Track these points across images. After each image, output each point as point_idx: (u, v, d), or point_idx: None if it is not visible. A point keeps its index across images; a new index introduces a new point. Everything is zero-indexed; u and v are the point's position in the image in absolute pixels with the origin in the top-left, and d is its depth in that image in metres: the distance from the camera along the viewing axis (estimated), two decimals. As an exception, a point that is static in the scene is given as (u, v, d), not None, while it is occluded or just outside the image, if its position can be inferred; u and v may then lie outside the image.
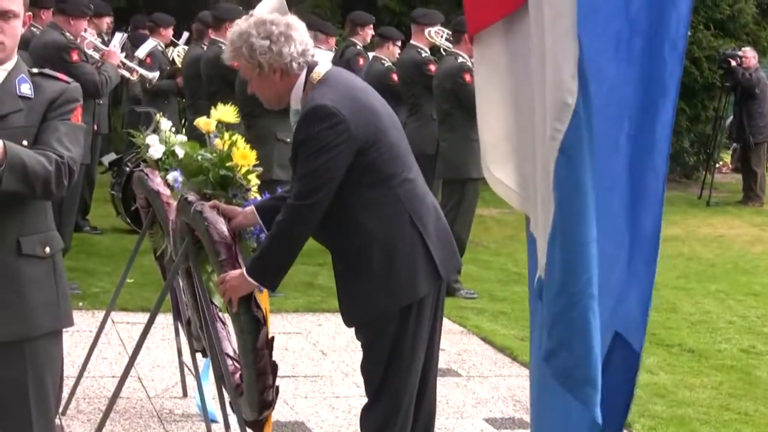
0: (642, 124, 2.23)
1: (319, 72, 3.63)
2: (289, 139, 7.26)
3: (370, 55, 9.35)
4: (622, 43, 2.19)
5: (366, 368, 3.72)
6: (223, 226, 3.76)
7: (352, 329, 3.73)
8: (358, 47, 9.64)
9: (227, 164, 3.93)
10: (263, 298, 3.85)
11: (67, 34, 7.22)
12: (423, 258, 3.58)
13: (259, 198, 3.94)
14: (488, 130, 2.57)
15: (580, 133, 2.18)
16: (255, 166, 4.01)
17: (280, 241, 3.56)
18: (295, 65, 3.60)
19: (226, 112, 4.16)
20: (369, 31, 9.85)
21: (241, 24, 3.66)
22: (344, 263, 3.65)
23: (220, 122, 4.16)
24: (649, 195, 2.27)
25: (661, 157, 2.24)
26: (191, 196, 3.94)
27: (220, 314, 4.37)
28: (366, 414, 3.73)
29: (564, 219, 2.24)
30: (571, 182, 2.20)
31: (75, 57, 7.08)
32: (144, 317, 5.11)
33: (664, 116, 2.22)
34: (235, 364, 4.12)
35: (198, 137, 4.40)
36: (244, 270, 3.61)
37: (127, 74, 8.50)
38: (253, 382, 3.73)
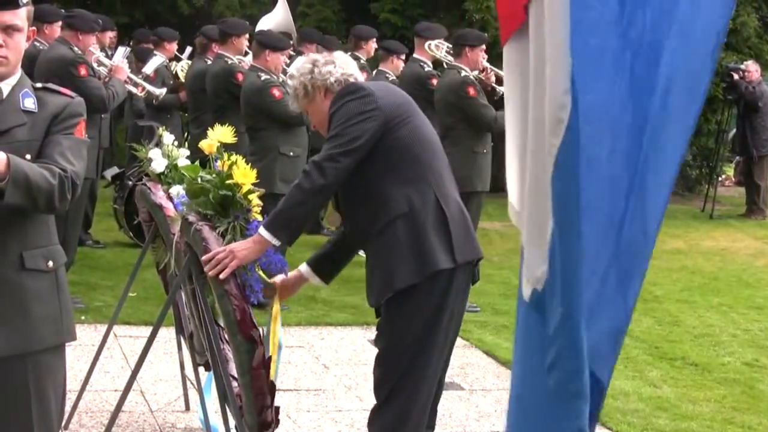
0: (633, 143, 2.17)
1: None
2: (291, 153, 7.31)
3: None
4: (614, 60, 2.14)
5: (383, 366, 3.73)
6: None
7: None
8: (362, 61, 9.64)
9: (227, 183, 3.93)
10: (274, 312, 3.84)
11: (75, 48, 7.24)
12: (442, 235, 3.67)
13: (260, 219, 3.94)
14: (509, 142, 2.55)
15: (572, 148, 2.17)
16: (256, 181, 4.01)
17: (298, 192, 3.63)
18: (332, 80, 3.79)
19: (223, 133, 4.16)
20: (372, 45, 9.86)
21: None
22: (375, 241, 3.70)
23: (220, 143, 4.16)
24: (634, 220, 2.19)
25: (657, 179, 2.16)
26: (192, 217, 3.94)
27: (224, 335, 4.36)
28: (374, 417, 3.76)
29: (563, 234, 2.23)
30: (566, 197, 2.21)
31: (83, 72, 7.10)
32: (146, 331, 5.12)
33: (661, 135, 2.16)
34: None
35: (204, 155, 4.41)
36: (261, 229, 3.67)
37: (133, 89, 8.52)
38: (251, 403, 3.71)
